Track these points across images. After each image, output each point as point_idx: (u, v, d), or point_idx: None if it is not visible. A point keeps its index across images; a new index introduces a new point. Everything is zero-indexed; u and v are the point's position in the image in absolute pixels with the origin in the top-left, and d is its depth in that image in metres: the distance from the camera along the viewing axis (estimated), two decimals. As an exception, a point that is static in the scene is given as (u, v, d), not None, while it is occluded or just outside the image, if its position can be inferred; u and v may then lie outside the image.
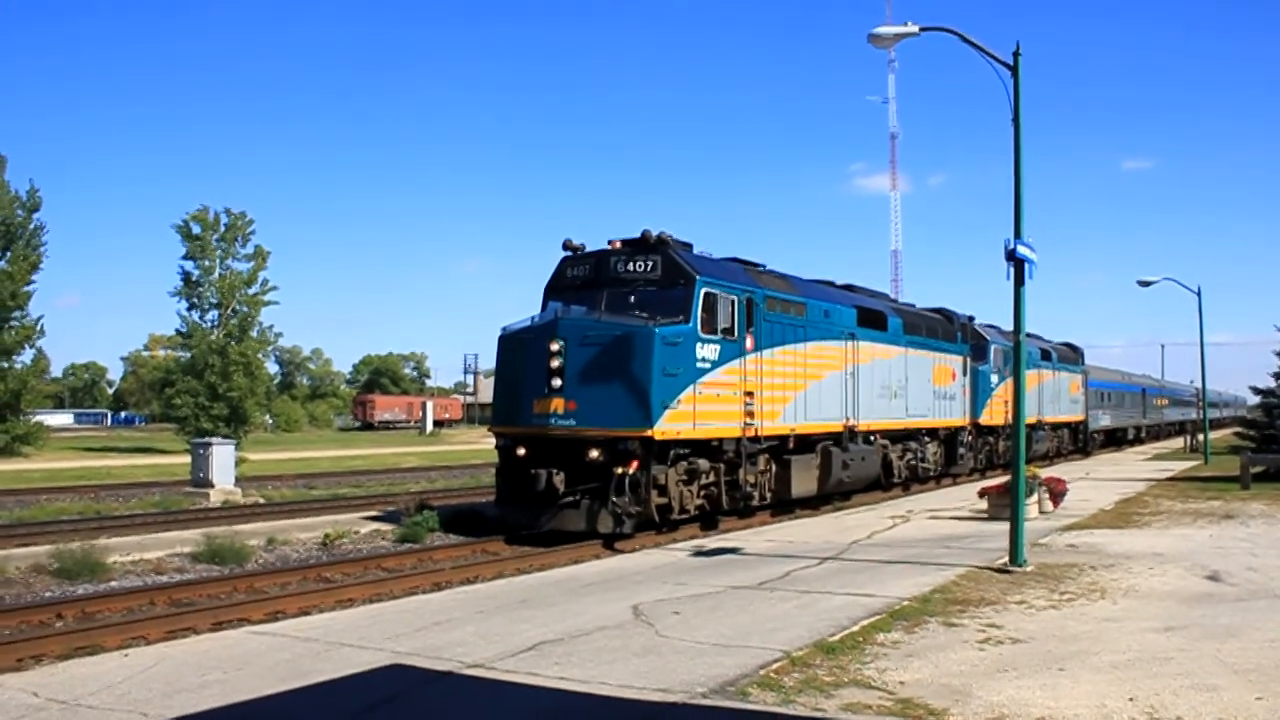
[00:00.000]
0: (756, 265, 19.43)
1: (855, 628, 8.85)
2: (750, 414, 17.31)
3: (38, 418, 54.86)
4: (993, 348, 30.63)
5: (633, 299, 16.35)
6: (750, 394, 17.33)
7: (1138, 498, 22.34)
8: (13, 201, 50.33)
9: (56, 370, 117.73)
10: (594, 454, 15.30)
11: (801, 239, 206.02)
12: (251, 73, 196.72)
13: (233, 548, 14.85)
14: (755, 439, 17.56)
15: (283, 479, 32.92)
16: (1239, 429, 42.37)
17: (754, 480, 17.83)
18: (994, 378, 30.41)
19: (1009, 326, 32.46)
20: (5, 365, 50.34)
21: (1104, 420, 48.09)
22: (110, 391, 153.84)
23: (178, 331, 58.34)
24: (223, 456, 25.13)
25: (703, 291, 16.28)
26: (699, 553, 14.15)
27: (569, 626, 9.01)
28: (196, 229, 55.46)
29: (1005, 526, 12.93)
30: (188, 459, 27.78)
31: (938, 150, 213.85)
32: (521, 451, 16.05)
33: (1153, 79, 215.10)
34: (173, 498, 24.31)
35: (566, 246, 17.58)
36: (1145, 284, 36.60)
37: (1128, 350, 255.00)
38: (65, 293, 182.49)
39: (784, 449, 18.82)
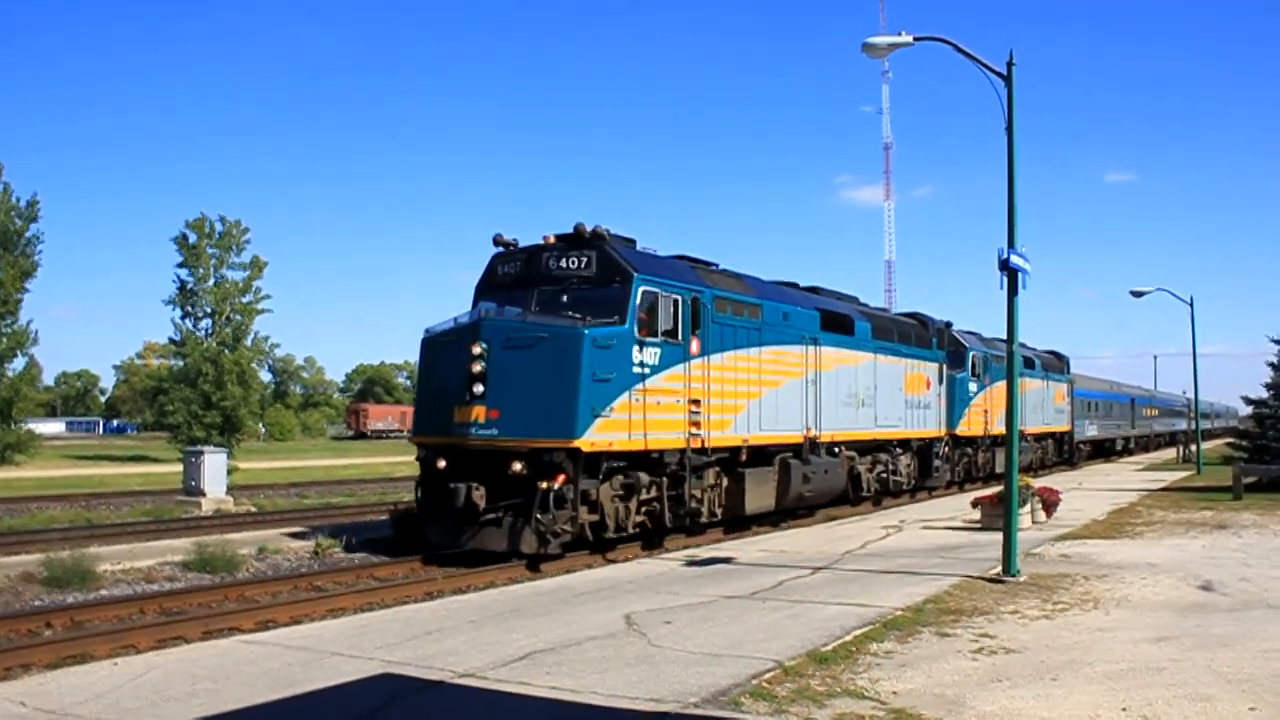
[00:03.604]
0: (708, 264, 18.25)
1: (848, 637, 8.83)
2: (696, 424, 16.04)
3: (29, 426, 54.64)
4: (971, 354, 29.66)
5: (565, 298, 15.18)
6: (696, 402, 16.07)
7: (1130, 508, 22.36)
8: (9, 209, 50.29)
9: (49, 378, 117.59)
10: (517, 467, 14.02)
11: (790, 251, 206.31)
12: (244, 81, 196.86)
13: (224, 556, 14.76)
14: (702, 450, 16.23)
15: (275, 488, 32.84)
16: (1231, 439, 42.40)
17: (701, 496, 16.58)
18: (972, 385, 29.42)
19: (990, 333, 32.76)
20: (-4, 373, 50.22)
21: (1090, 431, 47.18)
22: (103, 399, 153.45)
23: (171, 340, 58.28)
24: (215, 465, 25.03)
25: (640, 290, 15.04)
26: (692, 562, 14.12)
27: (561, 636, 8.98)
28: (193, 237, 55.45)
29: (998, 536, 12.92)
30: (180, 468, 27.69)
31: (924, 162, 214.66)
32: (442, 464, 14.77)
33: (1133, 91, 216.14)
34: (164, 506, 24.22)
35: (497, 242, 16.42)
36: (1138, 294, 36.68)
37: (1119, 361, 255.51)
38: (59, 301, 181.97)
39: (736, 461, 17.54)
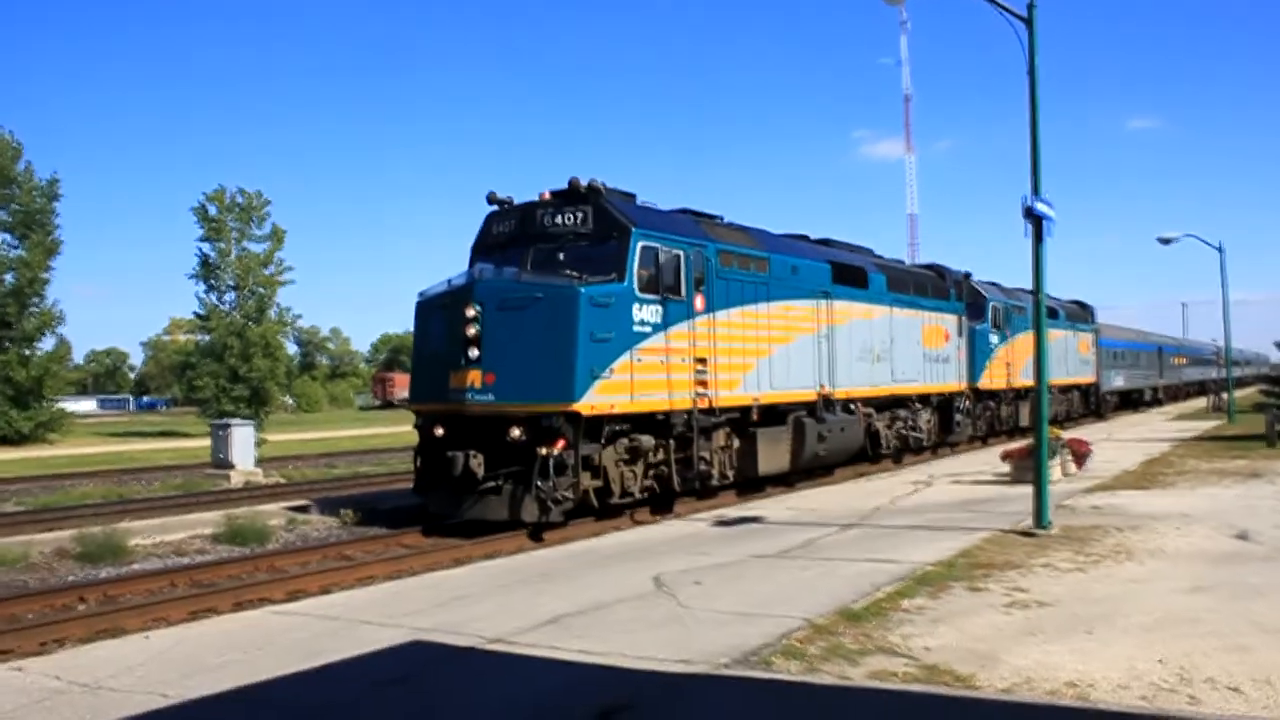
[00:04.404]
0: (713, 217, 17.67)
1: (879, 594, 8.76)
2: (703, 383, 15.59)
3: (61, 404, 55.14)
4: (991, 305, 28.99)
5: (562, 256, 14.68)
6: (702, 361, 15.61)
7: (1162, 458, 22.15)
8: (32, 189, 50.51)
9: (78, 357, 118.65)
10: (515, 433, 13.62)
11: (809, 210, 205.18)
12: (265, 54, 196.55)
13: (253, 528, 14.87)
14: (710, 411, 15.81)
15: (304, 459, 33.03)
16: (1264, 387, 41.92)
17: (710, 457, 16.15)
18: (993, 338, 28.78)
19: (1011, 284, 32.29)
20: (27, 352, 50.65)
21: (1118, 381, 46.21)
22: (132, 376, 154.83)
23: (196, 314, 58.40)
24: (242, 437, 25.19)
25: (640, 245, 14.54)
26: (720, 522, 14.07)
27: (590, 599, 8.95)
28: (213, 210, 55.42)
29: (1028, 489, 12.80)
30: (209, 441, 27.88)
31: (944, 116, 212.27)
32: (439, 431, 14.42)
33: (1153, 35, 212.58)
34: (194, 480, 24.40)
35: (491, 200, 15.74)
36: (1166, 241, 36.16)
37: (1147, 310, 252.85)
38: (85, 280, 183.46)
39: (748, 421, 17.10)
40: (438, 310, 14.95)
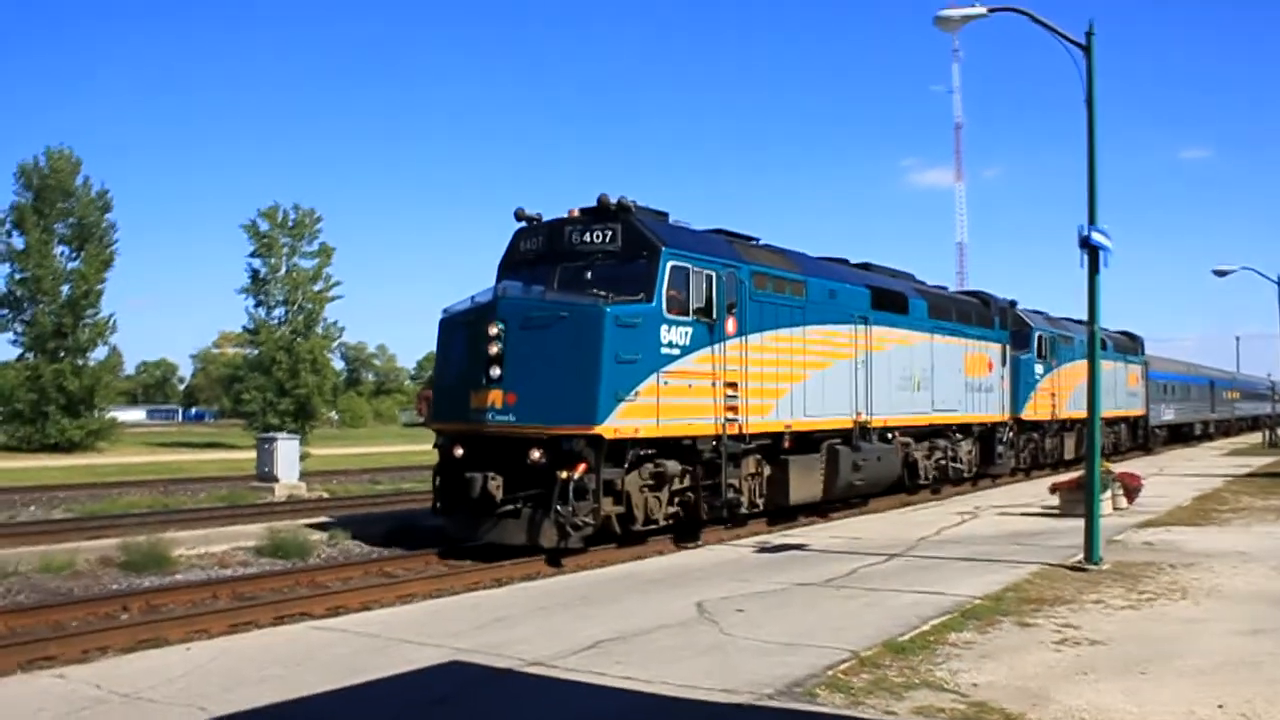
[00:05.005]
0: (748, 238, 17.15)
1: (926, 627, 8.59)
2: (733, 409, 15.06)
3: (111, 413, 56.00)
4: (1036, 334, 28.23)
5: (590, 275, 14.23)
6: (733, 385, 15.11)
7: (1215, 494, 21.68)
8: (90, 203, 51.50)
9: (129, 367, 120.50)
10: (536, 455, 13.19)
11: (855, 237, 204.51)
12: (309, 65, 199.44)
13: (296, 541, 14.89)
14: (739, 437, 15.28)
15: (348, 473, 33.24)
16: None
17: (740, 485, 15.55)
18: (1038, 368, 28.07)
19: (1056, 313, 31.72)
20: (80, 362, 51.54)
21: (1167, 415, 45.20)
22: (181, 388, 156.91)
23: (245, 329, 59.19)
24: (287, 451, 25.38)
25: (669, 265, 14.07)
26: (763, 549, 13.93)
27: (631, 624, 8.85)
28: (264, 226, 56.17)
29: (1078, 523, 12.55)
30: (254, 454, 28.10)
31: (993, 143, 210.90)
32: (459, 452, 14.02)
33: (1207, 64, 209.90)
34: (239, 492, 24.59)
35: (519, 216, 15.34)
36: (1221, 274, 35.57)
37: (1201, 343, 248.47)
38: (137, 292, 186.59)
39: (779, 448, 16.57)
40: (460, 328, 14.61)
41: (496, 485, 13.47)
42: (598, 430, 13.16)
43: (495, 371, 13.61)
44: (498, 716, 6.40)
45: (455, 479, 13.97)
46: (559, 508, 13.03)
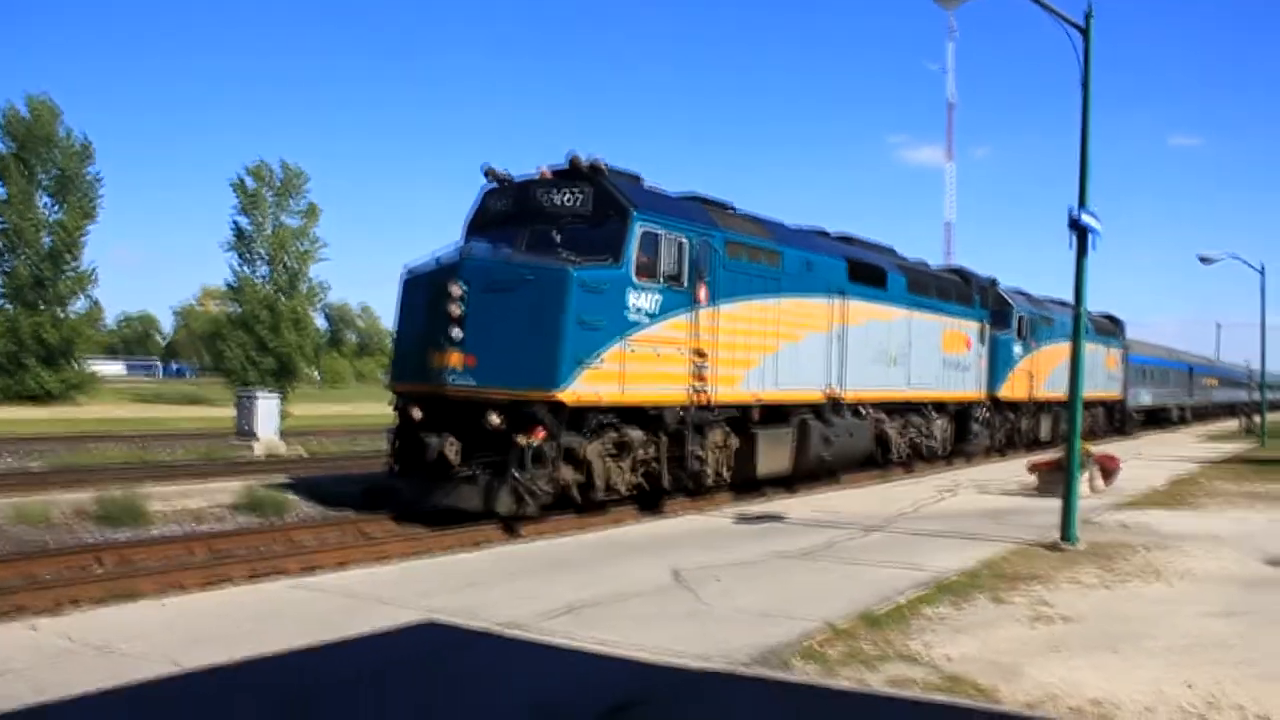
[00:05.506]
0: (723, 205, 16.76)
1: (901, 600, 8.62)
2: (701, 378, 14.79)
3: (90, 366, 55.66)
4: (1016, 314, 27.98)
5: (559, 237, 13.90)
6: (702, 354, 14.80)
7: (1191, 478, 21.82)
8: (71, 153, 50.97)
9: (110, 320, 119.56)
10: (495, 419, 12.91)
11: (843, 213, 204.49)
12: (300, 23, 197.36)
13: (273, 499, 14.86)
14: (707, 407, 15.06)
15: (328, 433, 33.10)
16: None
17: (706, 456, 15.33)
18: (1017, 347, 27.85)
19: (1038, 293, 31.73)
20: (59, 313, 51.17)
21: (1145, 398, 45.26)
22: (162, 342, 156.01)
23: (228, 285, 58.75)
24: (267, 409, 25.25)
25: (639, 229, 13.78)
26: (741, 519, 13.95)
27: (607, 589, 8.86)
28: (251, 183, 55.63)
29: (1055, 503, 12.59)
30: (234, 411, 27.96)
31: (983, 123, 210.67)
32: (417, 414, 13.76)
33: (1198, 52, 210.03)
34: (217, 448, 24.51)
35: (488, 175, 14.97)
36: (1207, 261, 35.72)
37: (1181, 329, 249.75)
38: (121, 239, 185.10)
39: (748, 420, 16.36)
40: (423, 287, 14.21)
41: (454, 449, 13.26)
42: (558, 395, 12.91)
43: (456, 333, 13.29)
44: (471, 676, 6.40)
45: (413, 441, 13.74)
46: (516, 474, 12.79)
